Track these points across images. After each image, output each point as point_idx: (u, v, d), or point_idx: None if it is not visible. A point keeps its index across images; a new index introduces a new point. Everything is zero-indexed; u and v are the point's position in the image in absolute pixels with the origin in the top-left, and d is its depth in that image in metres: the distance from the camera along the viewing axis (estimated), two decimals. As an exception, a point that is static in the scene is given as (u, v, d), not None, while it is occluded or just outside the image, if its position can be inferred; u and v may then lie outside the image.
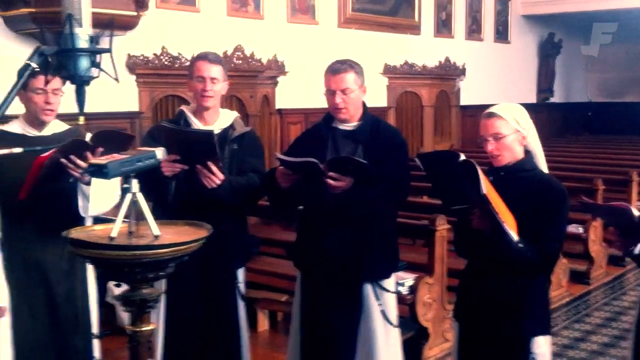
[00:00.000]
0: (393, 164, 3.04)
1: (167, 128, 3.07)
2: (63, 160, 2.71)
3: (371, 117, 3.20)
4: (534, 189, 2.72)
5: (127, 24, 6.36)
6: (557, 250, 2.75)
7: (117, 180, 3.00)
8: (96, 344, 3.10)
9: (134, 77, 6.79)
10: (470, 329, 2.84)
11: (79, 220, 2.99)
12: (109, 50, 2.18)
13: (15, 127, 2.98)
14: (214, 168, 3.01)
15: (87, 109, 2.89)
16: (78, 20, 2.03)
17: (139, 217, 2.21)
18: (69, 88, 2.48)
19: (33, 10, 6.27)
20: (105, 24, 6.59)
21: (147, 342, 2.15)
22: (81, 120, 2.02)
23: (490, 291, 2.75)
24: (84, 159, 2.72)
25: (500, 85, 12.27)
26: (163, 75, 7.04)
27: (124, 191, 2.24)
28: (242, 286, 3.34)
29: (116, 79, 2.47)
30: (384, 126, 3.26)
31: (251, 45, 8.54)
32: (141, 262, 2.06)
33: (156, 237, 2.15)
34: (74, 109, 2.18)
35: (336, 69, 3.08)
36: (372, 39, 10.09)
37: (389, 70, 10.21)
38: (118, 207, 2.67)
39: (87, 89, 2.66)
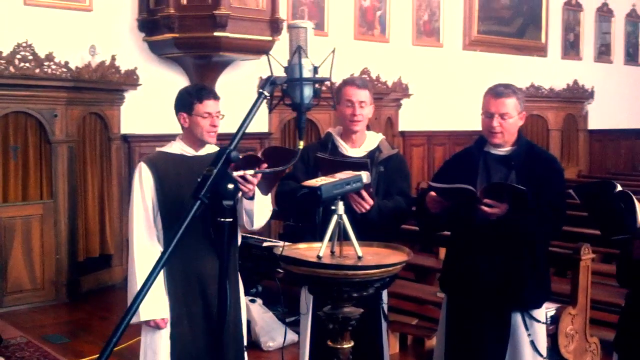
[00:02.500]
0: (552, 191, 2.96)
1: (324, 159, 3.14)
2: (235, 175, 2.79)
3: (526, 142, 3.14)
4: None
5: (262, 48, 6.59)
6: None
7: (269, 198, 3.11)
8: (246, 357, 3.20)
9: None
10: (632, 363, 2.73)
11: (235, 235, 3.11)
12: (328, 79, 2.30)
13: (174, 148, 3.15)
14: (365, 194, 3.05)
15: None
16: (305, 51, 2.14)
17: (341, 237, 2.28)
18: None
19: (177, 35, 6.64)
20: (241, 49, 6.89)
21: (348, 358, 2.20)
22: (301, 144, 2.12)
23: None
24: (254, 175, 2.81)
25: (631, 109, 11.75)
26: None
27: (331, 213, 2.32)
28: (385, 307, 3.35)
29: (333, 106, 2.62)
30: (539, 152, 3.18)
31: (377, 68, 8.63)
32: (350, 281, 2.14)
33: (359, 258, 2.24)
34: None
35: (499, 92, 3.03)
36: (497, 61, 9.94)
37: (514, 93, 9.98)
38: None
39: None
